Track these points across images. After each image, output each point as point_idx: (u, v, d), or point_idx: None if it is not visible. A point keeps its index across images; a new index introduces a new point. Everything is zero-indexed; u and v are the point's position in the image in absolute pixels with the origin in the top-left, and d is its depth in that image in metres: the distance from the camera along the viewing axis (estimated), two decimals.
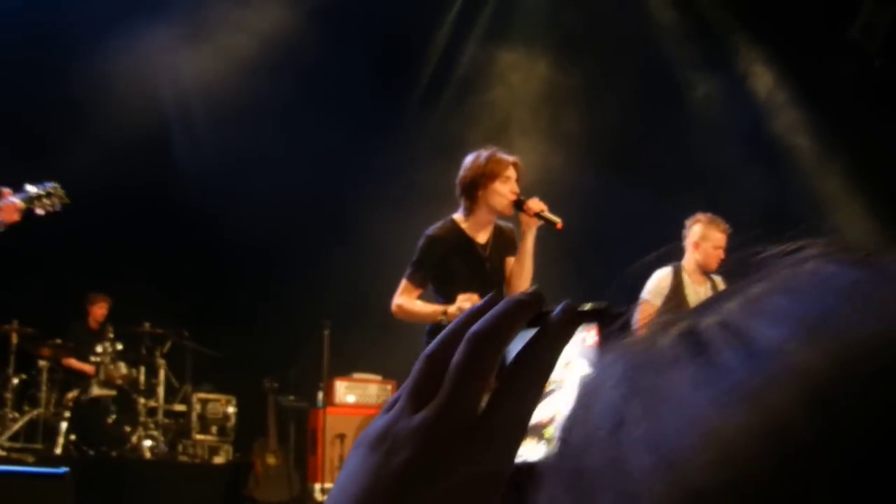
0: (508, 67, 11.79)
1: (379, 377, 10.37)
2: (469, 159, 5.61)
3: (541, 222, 5.40)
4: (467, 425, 0.64)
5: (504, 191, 5.47)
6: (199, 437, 10.65)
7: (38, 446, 9.70)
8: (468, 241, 5.59)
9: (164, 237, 10.77)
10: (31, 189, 5.95)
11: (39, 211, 5.99)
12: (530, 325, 0.68)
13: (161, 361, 10.58)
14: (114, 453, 9.56)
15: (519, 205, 5.45)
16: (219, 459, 10.64)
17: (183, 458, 10.37)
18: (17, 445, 9.61)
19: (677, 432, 0.43)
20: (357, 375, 10.22)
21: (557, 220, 5.39)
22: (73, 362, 10.29)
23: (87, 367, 10.11)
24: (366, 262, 9.99)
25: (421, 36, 12.00)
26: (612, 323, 0.69)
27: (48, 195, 5.99)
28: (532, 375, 0.67)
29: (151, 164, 10.70)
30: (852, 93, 10.31)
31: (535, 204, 5.40)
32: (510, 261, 5.63)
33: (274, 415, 10.44)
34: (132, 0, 10.85)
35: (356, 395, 9.94)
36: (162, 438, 10.21)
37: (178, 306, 10.74)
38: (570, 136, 11.21)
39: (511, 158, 5.59)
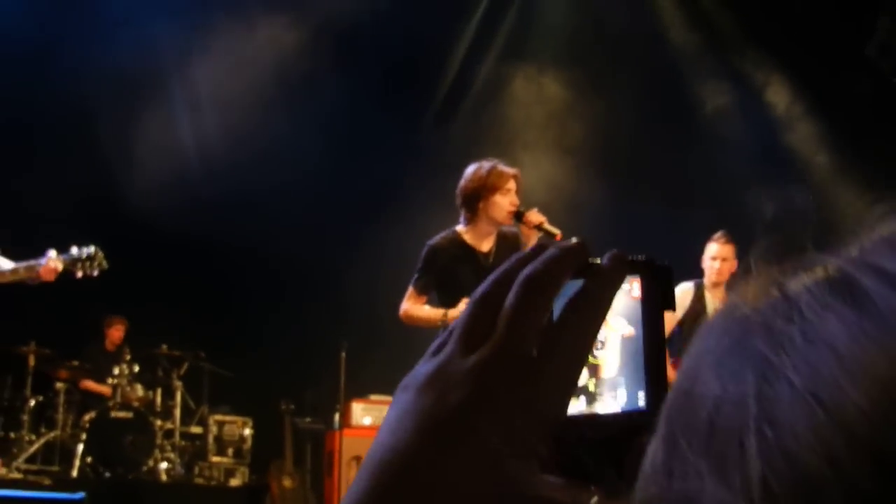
0: (524, 84, 11.79)
1: None
2: (470, 170, 5.77)
3: (541, 234, 5.57)
4: (522, 367, 0.64)
5: (504, 203, 5.64)
6: (215, 459, 10.63)
7: (55, 468, 9.69)
8: (470, 251, 5.76)
9: (181, 259, 10.77)
10: (74, 252, 6.15)
11: (79, 274, 6.19)
12: (577, 276, 0.68)
13: (178, 383, 10.57)
14: (130, 475, 9.54)
15: (519, 216, 5.63)
16: (235, 482, 10.61)
17: (199, 481, 10.35)
18: (34, 467, 9.61)
19: (837, 381, 0.42)
20: (374, 397, 10.16)
21: (557, 231, 5.55)
22: (91, 384, 10.31)
23: (105, 389, 10.12)
24: (382, 284, 9.95)
25: (436, 53, 12.00)
26: (657, 275, 0.70)
27: (89, 259, 6.18)
28: (585, 321, 0.67)
29: (168, 187, 10.70)
30: (869, 109, 10.27)
31: (535, 216, 5.60)
32: None
33: (290, 437, 10.42)
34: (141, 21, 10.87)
35: (373, 416, 9.88)
36: (178, 460, 10.19)
37: (195, 328, 10.74)
38: (584, 150, 11.21)
39: (512, 171, 5.74)
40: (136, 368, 10.18)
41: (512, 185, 5.69)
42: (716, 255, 7.22)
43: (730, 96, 11.52)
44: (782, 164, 11.17)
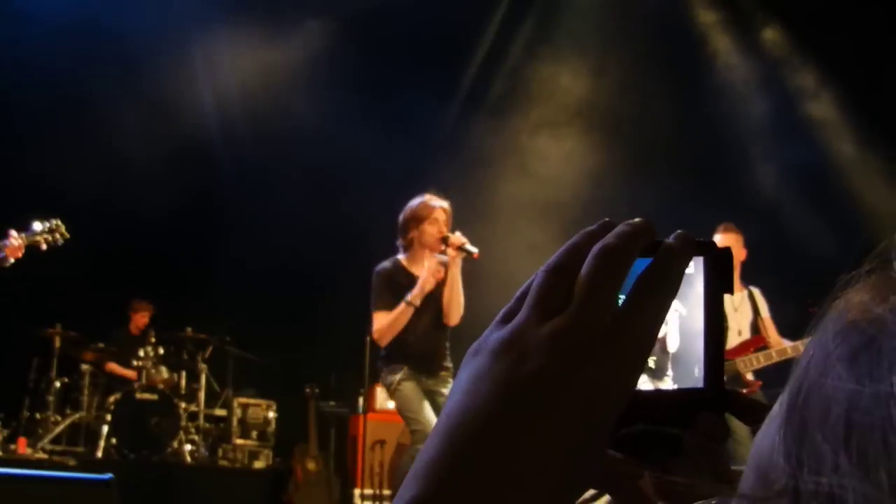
0: (550, 68, 11.74)
1: None
2: (406, 206, 6.64)
3: (463, 254, 6.39)
4: (599, 336, 0.65)
5: (432, 231, 6.49)
6: (239, 441, 10.66)
7: (80, 449, 9.76)
8: (408, 275, 6.56)
9: (207, 243, 10.80)
10: (37, 226, 6.66)
11: (43, 246, 6.70)
12: (644, 255, 0.69)
13: (202, 366, 10.60)
14: (154, 457, 9.57)
15: (444, 241, 6.43)
16: (259, 464, 10.64)
17: (223, 463, 10.39)
18: (59, 448, 9.69)
19: None
20: None
21: (474, 250, 6.38)
22: (116, 367, 10.36)
23: (130, 373, 10.18)
24: None
25: (465, 37, 11.95)
26: (720, 258, 0.73)
27: (50, 231, 6.70)
28: (657, 298, 0.67)
29: (196, 172, 10.74)
30: None
31: (456, 238, 6.39)
32: (444, 291, 6.53)
33: (314, 420, 10.42)
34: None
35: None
36: (202, 443, 10.24)
37: (220, 311, 10.76)
38: (609, 133, 11.20)
39: (439, 204, 6.56)
40: (161, 351, 10.22)
41: (440, 215, 6.49)
42: (718, 243, 7.28)
43: (770, 101, 11.43)
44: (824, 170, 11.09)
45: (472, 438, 0.63)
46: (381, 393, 9.87)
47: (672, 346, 0.73)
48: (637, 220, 0.70)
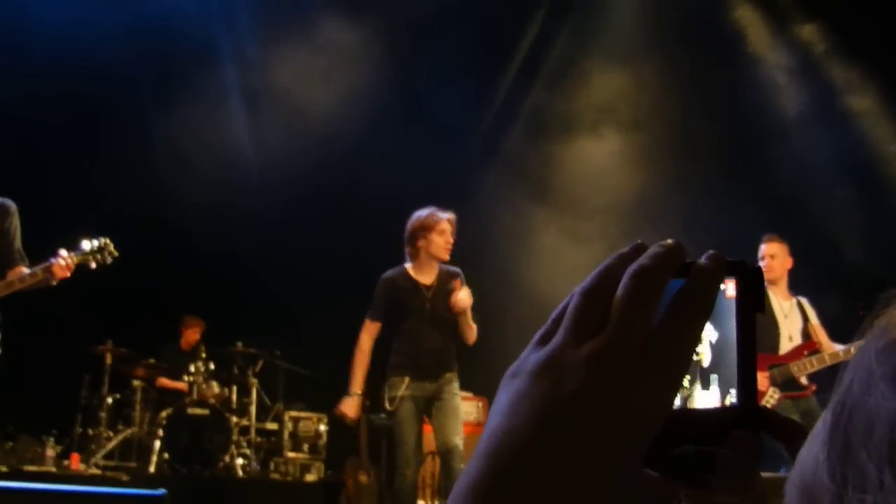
0: (592, 71, 11.70)
1: (469, 394, 10.29)
2: (413, 216, 6.93)
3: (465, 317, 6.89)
4: (635, 359, 0.66)
5: (441, 241, 6.83)
6: (291, 455, 10.68)
7: (132, 464, 9.83)
8: (415, 284, 6.88)
9: (257, 258, 10.84)
10: (86, 245, 6.61)
11: (93, 265, 6.66)
12: (676, 276, 0.70)
13: (253, 380, 10.63)
14: (206, 472, 9.60)
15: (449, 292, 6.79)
16: (311, 477, 10.65)
17: (275, 476, 10.41)
18: (112, 464, 9.75)
19: None
20: None
21: (473, 325, 6.96)
22: (167, 381, 10.42)
23: (181, 385, 10.23)
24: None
25: (505, 42, 11.93)
26: (751, 277, 0.73)
27: (100, 250, 6.64)
28: (691, 318, 0.68)
29: (242, 188, 10.77)
30: None
31: (463, 302, 6.80)
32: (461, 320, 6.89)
33: (366, 433, 10.41)
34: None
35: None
36: (254, 457, 10.26)
37: (270, 326, 10.79)
38: (648, 133, 11.14)
39: (446, 215, 6.88)
40: (212, 366, 10.27)
41: (446, 226, 6.84)
42: (763, 253, 7.73)
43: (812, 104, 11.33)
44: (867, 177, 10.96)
45: (514, 460, 0.64)
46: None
47: (705, 361, 0.73)
48: (669, 241, 0.71)
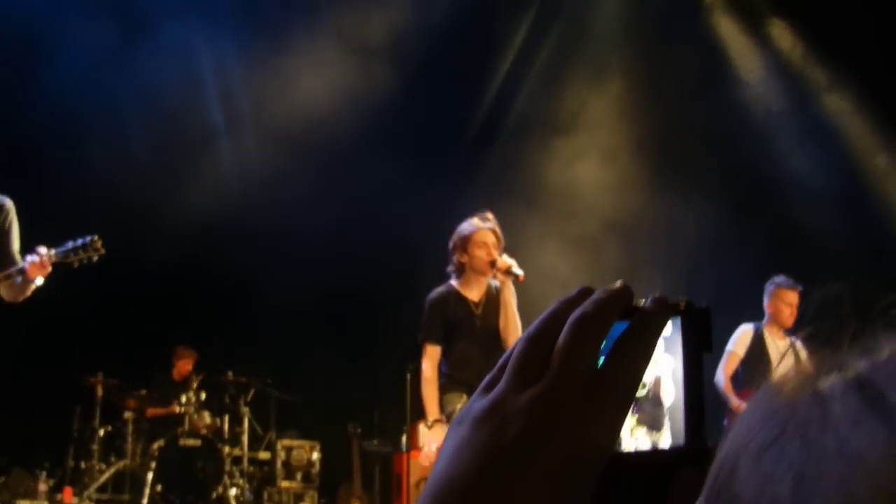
0: (574, 104, 11.74)
1: None
2: (456, 229, 6.55)
3: (511, 277, 6.29)
4: (576, 404, 0.67)
5: (482, 255, 6.38)
6: (284, 483, 10.64)
7: (126, 497, 9.78)
8: (463, 300, 6.52)
9: (247, 285, 10.83)
10: (69, 244, 6.23)
11: (76, 264, 6.26)
12: (621, 319, 0.71)
13: (245, 409, 10.60)
14: (200, 502, 9.56)
15: (493, 264, 6.32)
16: None
17: None
18: (105, 497, 9.71)
19: (868, 494, 0.45)
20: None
21: (520, 273, 6.25)
22: (158, 410, 10.37)
23: (171, 408, 10.16)
24: None
25: (478, 74, 11.96)
26: (697, 318, 0.74)
27: (84, 247, 6.25)
28: (632, 362, 0.70)
29: (231, 219, 10.76)
30: None
31: (503, 262, 6.28)
32: (500, 315, 6.46)
33: (358, 460, 10.40)
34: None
35: (441, 438, 9.87)
36: (247, 486, 10.21)
37: (261, 354, 10.78)
38: (631, 160, 11.18)
39: (487, 225, 6.46)
40: (203, 396, 10.24)
41: (487, 238, 6.40)
42: (794, 302, 7.75)
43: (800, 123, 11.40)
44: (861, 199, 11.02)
45: None
46: (424, 430, 9.83)
47: (667, 400, 0.75)
48: (616, 284, 0.72)
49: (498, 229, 6.49)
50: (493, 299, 6.49)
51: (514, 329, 6.41)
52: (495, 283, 6.50)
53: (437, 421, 6.66)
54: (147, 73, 10.57)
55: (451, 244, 6.56)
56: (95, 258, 6.32)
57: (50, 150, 10.23)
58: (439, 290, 6.60)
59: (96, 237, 6.33)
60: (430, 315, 6.54)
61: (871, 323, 0.57)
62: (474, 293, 6.52)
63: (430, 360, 6.54)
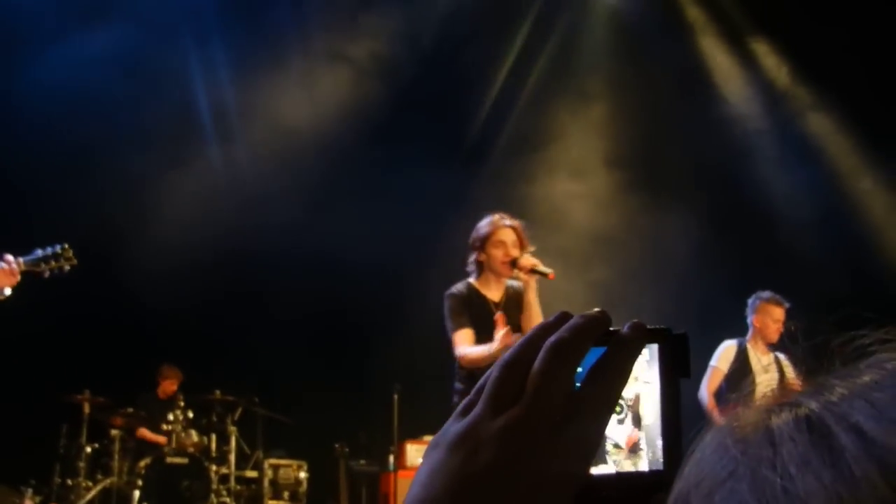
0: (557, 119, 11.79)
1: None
2: (476, 227, 6.21)
3: (536, 276, 5.88)
4: (549, 429, 0.67)
5: (499, 254, 6.03)
6: (271, 503, 10.61)
7: None
8: (483, 299, 6.11)
9: (234, 305, 10.83)
10: (39, 252, 6.06)
11: (46, 273, 6.07)
12: (598, 344, 0.72)
13: (232, 428, 10.58)
14: None
15: (513, 264, 5.95)
16: None
17: None
18: None
19: None
20: (427, 438, 10.12)
21: (549, 271, 5.85)
22: (146, 433, 10.35)
23: (160, 438, 10.17)
24: (434, 324, 9.95)
25: (469, 95, 12.00)
26: (674, 343, 0.74)
27: (55, 257, 6.09)
28: (607, 388, 0.70)
29: (219, 239, 10.76)
30: None
31: (527, 260, 5.91)
32: (523, 317, 6.01)
33: (345, 479, 10.39)
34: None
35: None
36: None
37: (248, 373, 10.77)
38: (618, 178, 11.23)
39: (507, 223, 6.12)
40: (191, 414, 10.22)
41: (507, 236, 6.05)
42: (780, 318, 7.76)
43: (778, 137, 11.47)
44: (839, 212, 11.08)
45: None
46: (411, 449, 9.83)
47: (648, 418, 0.75)
48: (593, 311, 0.73)
49: (519, 228, 6.16)
50: (512, 300, 6.11)
51: None
52: (515, 283, 6.16)
53: (501, 335, 5.72)
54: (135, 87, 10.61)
55: (469, 241, 6.25)
56: (67, 268, 6.18)
57: (29, 164, 10.21)
58: (458, 287, 6.21)
59: (66, 245, 6.20)
60: (455, 305, 6.11)
61: (827, 359, 0.58)
62: (494, 293, 6.17)
63: (467, 341, 5.99)
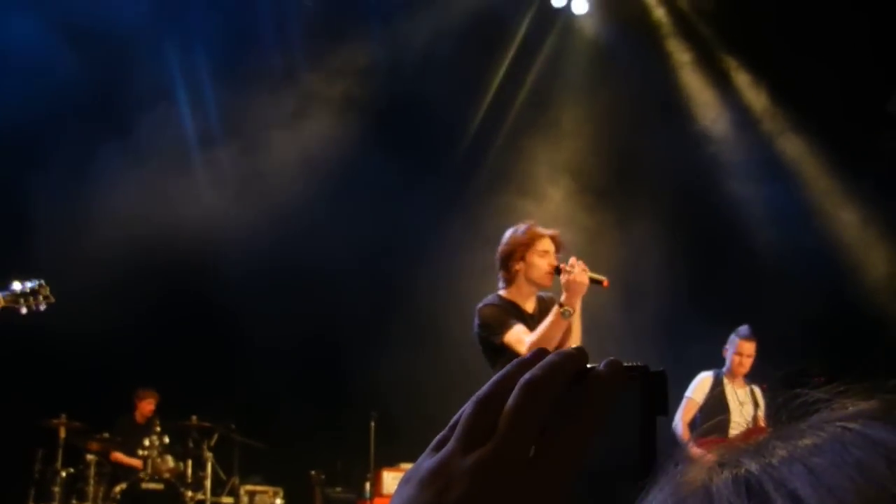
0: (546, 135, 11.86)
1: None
2: (508, 233, 5.76)
3: (588, 285, 5.37)
4: (520, 467, 0.67)
5: (542, 263, 5.59)
6: None
7: None
8: (519, 310, 5.65)
9: (210, 331, 10.80)
10: (17, 287, 5.98)
11: (23, 310, 5.99)
12: (575, 380, 0.71)
13: (208, 454, 10.54)
14: None
15: (558, 272, 5.45)
16: None
17: None
18: None
19: None
20: (404, 466, 10.09)
21: (603, 278, 5.41)
22: (122, 457, 10.31)
23: (136, 462, 10.12)
24: (412, 352, 9.98)
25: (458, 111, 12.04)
26: (652, 381, 0.73)
27: (33, 293, 6.01)
28: (581, 424, 0.70)
29: (196, 261, 10.73)
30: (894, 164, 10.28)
31: (581, 269, 5.35)
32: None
33: None
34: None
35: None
36: None
37: (225, 399, 10.74)
38: (605, 195, 11.29)
39: (548, 231, 5.72)
40: (167, 440, 10.18)
41: (548, 245, 5.65)
42: (749, 352, 7.90)
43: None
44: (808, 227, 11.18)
45: None
46: (388, 477, 9.82)
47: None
48: (569, 349, 0.73)
49: (558, 236, 5.77)
50: (545, 312, 5.53)
51: (577, 342, 5.41)
52: (544, 293, 5.77)
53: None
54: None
55: (502, 250, 5.74)
56: (44, 306, 6.10)
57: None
58: (490, 299, 5.74)
59: (42, 282, 6.13)
60: (496, 312, 5.60)
61: (776, 414, 0.60)
62: (528, 304, 5.75)
63: (524, 334, 5.43)
